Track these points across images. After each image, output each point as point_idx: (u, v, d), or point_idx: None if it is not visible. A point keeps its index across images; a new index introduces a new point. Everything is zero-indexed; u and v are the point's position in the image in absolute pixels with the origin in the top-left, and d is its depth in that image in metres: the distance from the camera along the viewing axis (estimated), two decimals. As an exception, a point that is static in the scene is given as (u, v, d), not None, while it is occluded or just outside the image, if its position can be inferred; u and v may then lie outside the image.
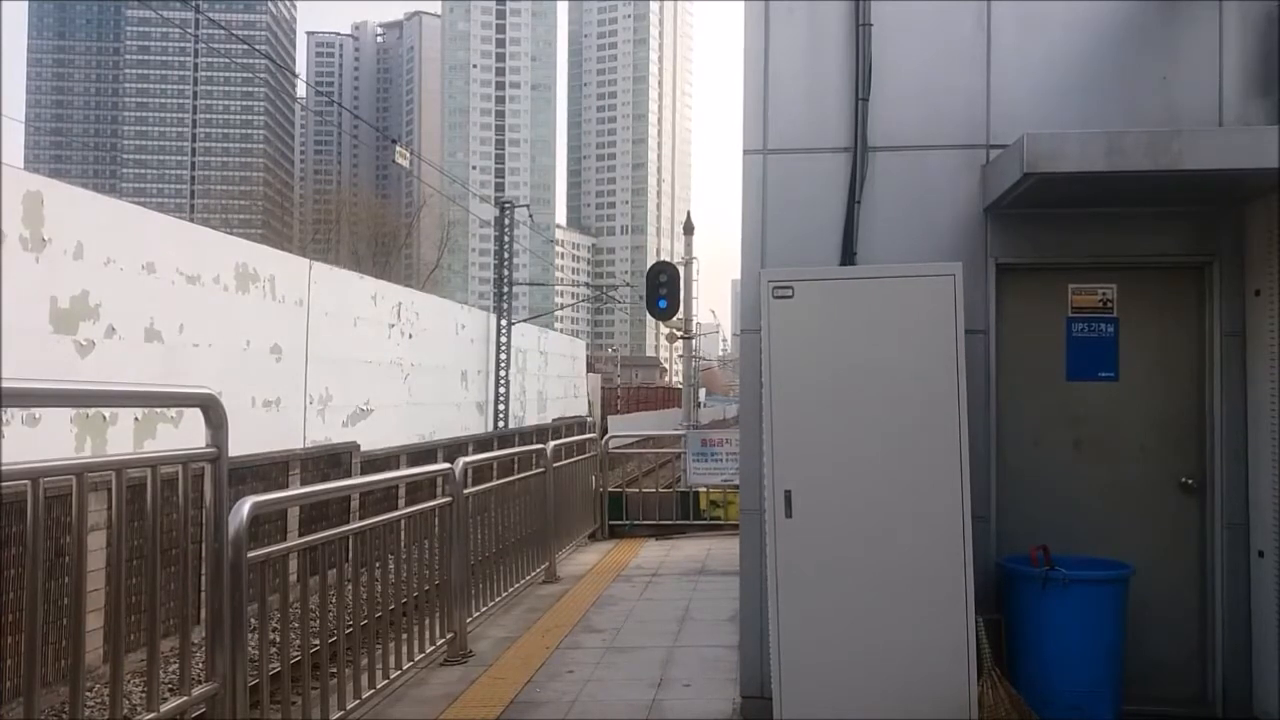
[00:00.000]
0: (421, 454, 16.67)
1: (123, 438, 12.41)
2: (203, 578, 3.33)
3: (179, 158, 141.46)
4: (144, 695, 3.01)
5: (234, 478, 8.18)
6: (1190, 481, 4.60)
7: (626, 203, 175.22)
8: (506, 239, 31.60)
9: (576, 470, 9.55)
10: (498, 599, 6.75)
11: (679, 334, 31.07)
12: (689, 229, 27.99)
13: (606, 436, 11.90)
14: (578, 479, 9.61)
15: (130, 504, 2.97)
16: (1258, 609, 4.41)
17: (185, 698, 3.07)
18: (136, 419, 12.72)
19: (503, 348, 29.47)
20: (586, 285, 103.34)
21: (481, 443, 19.34)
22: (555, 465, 8.37)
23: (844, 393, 4.23)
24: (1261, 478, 4.37)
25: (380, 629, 4.70)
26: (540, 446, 8.53)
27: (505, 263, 31.65)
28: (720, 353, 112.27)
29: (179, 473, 3.08)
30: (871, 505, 4.19)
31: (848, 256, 4.55)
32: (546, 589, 7.68)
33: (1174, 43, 4.51)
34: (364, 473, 13.72)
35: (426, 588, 5.39)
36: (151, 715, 2.87)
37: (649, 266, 17.24)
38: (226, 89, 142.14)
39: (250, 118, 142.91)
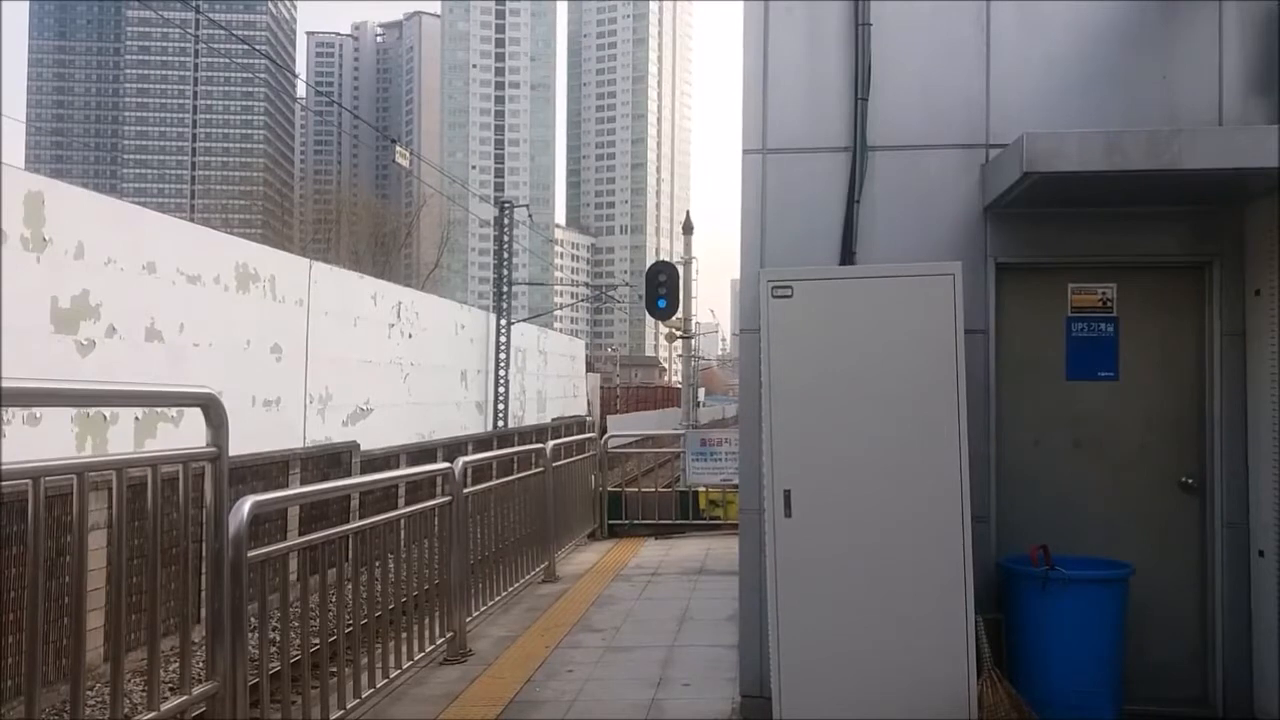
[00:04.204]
0: (421, 453, 16.67)
1: (123, 437, 12.42)
2: (203, 577, 3.33)
3: (179, 158, 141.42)
4: (144, 694, 3.02)
5: (234, 477, 8.18)
6: (1190, 481, 4.60)
7: (626, 202, 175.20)
8: (506, 239, 31.61)
9: (576, 470, 9.55)
10: (497, 598, 6.75)
11: (678, 334, 31.11)
12: (688, 229, 28.03)
13: (606, 436, 11.90)
14: (577, 479, 9.61)
15: (131, 503, 2.97)
16: (1258, 609, 4.41)
17: (185, 697, 3.07)
18: (137, 418, 12.72)
19: (502, 347, 29.47)
20: (586, 285, 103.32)
21: (481, 442, 19.34)
22: (554, 465, 8.38)
23: (843, 392, 4.23)
24: (1262, 477, 4.37)
25: (380, 628, 4.70)
26: (539, 446, 8.53)
27: (505, 262, 31.66)
28: (720, 352, 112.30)
29: (179, 472, 3.08)
30: (871, 505, 4.19)
31: (847, 256, 4.55)
32: (546, 588, 7.68)
33: (1174, 43, 4.51)
34: (364, 472, 13.72)
35: (426, 587, 5.39)
36: (152, 714, 2.87)
37: (648, 266, 17.24)
38: (226, 89, 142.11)
39: (250, 118, 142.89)
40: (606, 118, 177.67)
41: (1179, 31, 4.51)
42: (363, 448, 14.57)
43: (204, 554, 3.28)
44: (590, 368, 51.79)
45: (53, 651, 7.46)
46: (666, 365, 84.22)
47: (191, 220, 32.81)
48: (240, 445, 4.93)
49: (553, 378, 37.90)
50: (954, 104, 4.59)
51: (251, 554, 3.45)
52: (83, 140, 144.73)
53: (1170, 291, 4.65)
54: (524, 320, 34.47)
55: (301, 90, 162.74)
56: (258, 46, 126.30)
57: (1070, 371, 4.66)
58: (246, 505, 3.42)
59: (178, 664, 3.21)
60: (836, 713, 4.13)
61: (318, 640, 4.63)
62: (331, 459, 13.64)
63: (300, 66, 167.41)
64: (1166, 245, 4.55)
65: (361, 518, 5.27)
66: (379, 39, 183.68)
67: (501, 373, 29.27)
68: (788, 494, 4.21)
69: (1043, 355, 4.67)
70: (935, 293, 4.18)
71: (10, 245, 11.00)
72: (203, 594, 3.49)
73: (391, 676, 4.75)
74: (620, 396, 51.20)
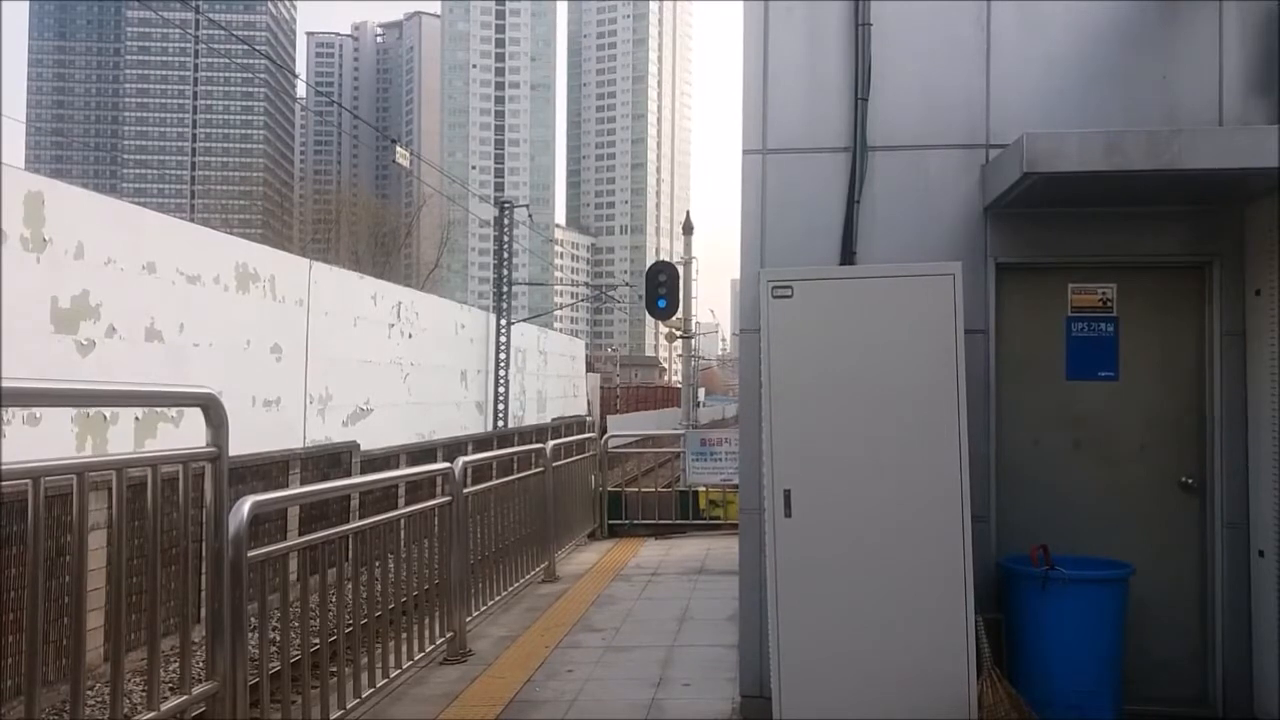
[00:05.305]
0: (421, 453, 16.67)
1: (123, 437, 12.42)
2: (203, 577, 3.33)
3: (179, 158, 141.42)
4: (144, 694, 3.02)
5: (234, 477, 8.18)
6: (1190, 481, 4.60)
7: (626, 202, 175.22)
8: (506, 239, 31.61)
9: (576, 470, 9.55)
10: (497, 598, 6.75)
11: (678, 334, 31.09)
12: (688, 229, 28.01)
13: (606, 436, 11.90)
14: (577, 478, 9.61)
15: (131, 503, 2.97)
16: (1258, 609, 4.41)
17: (185, 696, 3.07)
18: (137, 418, 12.72)
19: (502, 347, 29.47)
20: (586, 285, 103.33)
21: (481, 442, 19.35)
22: (555, 465, 8.38)
23: (843, 392, 4.23)
24: (1261, 477, 4.37)
25: (380, 628, 4.70)
26: (539, 446, 8.53)
27: (505, 262, 31.66)
28: (720, 352, 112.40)
29: (179, 472, 3.08)
30: (871, 505, 4.19)
31: (847, 256, 4.55)
32: (546, 588, 7.68)
33: (1174, 43, 4.51)
34: (364, 472, 13.72)
35: (426, 587, 5.39)
36: (152, 714, 2.87)
37: (648, 266, 17.24)
38: (226, 89, 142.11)
39: (250, 118, 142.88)
40: (606, 118, 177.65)
41: (1179, 31, 4.51)
42: (363, 448, 14.57)
43: (204, 554, 3.28)
44: (590, 368, 51.79)
45: (53, 651, 7.46)
46: (666, 365, 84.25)
47: (191, 220, 32.80)
48: (240, 445, 4.93)
49: (553, 378, 37.90)
50: (954, 104, 4.59)
51: (251, 554, 3.45)
52: (83, 140, 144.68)
53: (1170, 291, 4.65)
54: (524, 320, 34.47)
55: (301, 90, 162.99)
56: (258, 47, 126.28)
57: (1070, 371, 4.66)
58: (246, 505, 3.42)
59: (178, 664, 3.21)
60: (836, 713, 4.13)
61: (318, 640, 4.63)
62: (331, 459, 13.64)
63: (300, 67, 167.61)
64: (1166, 245, 4.55)
65: (361, 518, 5.27)
66: (379, 39, 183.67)
67: (501, 373, 29.28)
68: (788, 494, 4.21)
69: (1043, 355, 4.67)
70: (935, 293, 4.18)
71: (10, 245, 10.99)
72: (203, 594, 3.49)
73: (391, 676, 4.75)
74: (620, 396, 51.19)
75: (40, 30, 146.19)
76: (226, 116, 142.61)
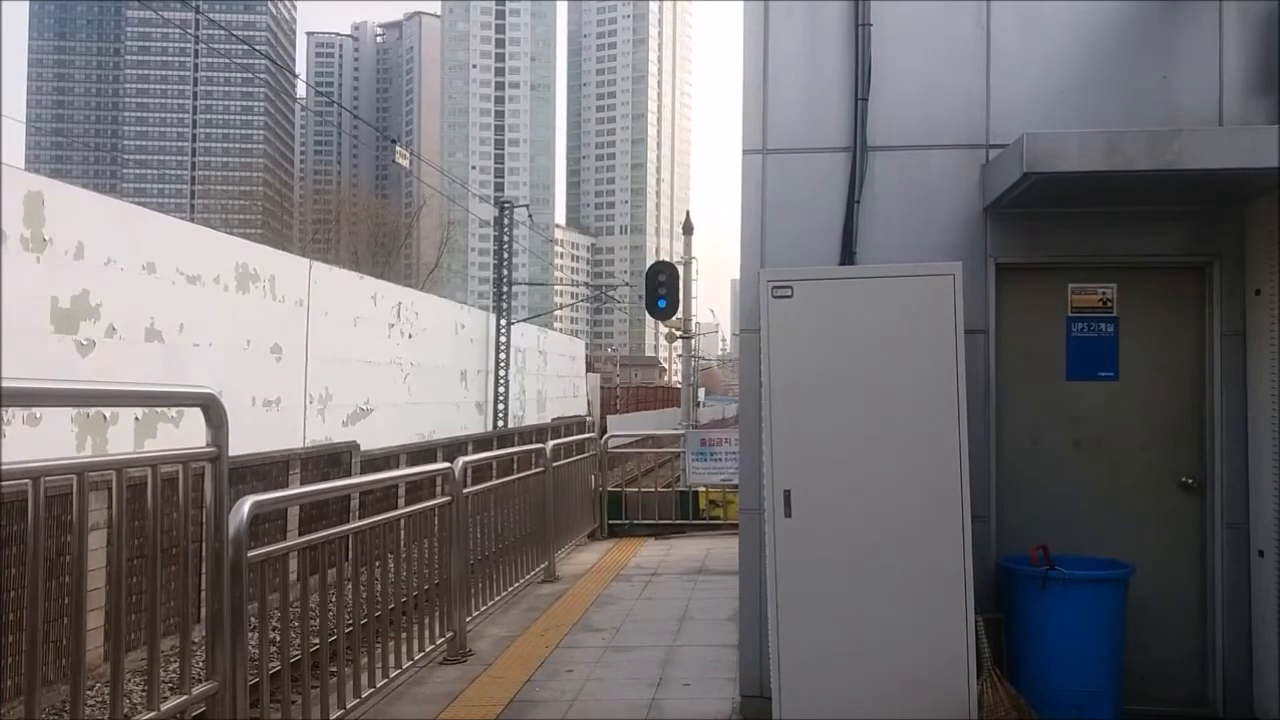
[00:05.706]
0: (421, 453, 16.67)
1: (123, 437, 12.42)
2: (203, 577, 3.33)
3: (179, 158, 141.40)
4: (144, 694, 3.02)
5: (234, 477, 8.18)
6: (1190, 481, 4.60)
7: (626, 202, 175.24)
8: (506, 239, 31.61)
9: (576, 470, 9.55)
10: (497, 598, 6.75)
11: (678, 334, 31.12)
12: (688, 229, 28.05)
13: (606, 436, 11.90)
14: (577, 478, 9.61)
15: (131, 503, 2.97)
16: (1258, 609, 4.41)
17: (185, 696, 3.07)
18: (137, 418, 12.72)
19: (502, 347, 29.48)
20: (586, 285, 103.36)
21: (481, 442, 19.34)
22: (554, 465, 8.37)
23: (843, 393, 4.23)
24: (1261, 477, 4.37)
25: (380, 628, 4.70)
26: (539, 446, 8.53)
27: (504, 262, 31.66)
28: (720, 352, 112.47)
29: (179, 472, 3.08)
30: (871, 505, 4.19)
31: (847, 256, 4.55)
32: (546, 588, 7.68)
33: (1174, 43, 4.51)
34: (364, 472, 13.72)
35: (426, 587, 5.39)
36: (152, 714, 2.87)
37: (648, 266, 17.26)
38: (226, 89, 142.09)
39: (250, 118, 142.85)
40: (606, 118, 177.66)
41: (1179, 31, 4.51)
42: (363, 448, 14.57)
43: (204, 554, 3.28)
44: (590, 368, 51.79)
45: (53, 651, 7.46)
46: (666, 365, 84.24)
47: (191, 220, 32.81)
48: (240, 445, 4.93)
49: (553, 378, 37.91)
50: (954, 104, 4.59)
51: (251, 554, 3.45)
52: (83, 140, 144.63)
53: (1170, 291, 4.65)
54: (524, 320, 34.47)
55: (301, 90, 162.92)
56: (258, 47, 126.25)
57: (1070, 371, 4.66)
58: (246, 505, 3.42)
59: (178, 664, 3.21)
60: (836, 713, 4.13)
61: (318, 640, 4.63)
62: (331, 459, 13.64)
63: (300, 66, 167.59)
64: (1166, 245, 4.55)
65: (361, 518, 5.28)
66: (379, 39, 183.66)
67: (501, 373, 29.28)
68: (788, 494, 4.21)
69: (1043, 355, 4.67)
70: (935, 293, 4.18)
71: (10, 245, 11.00)
72: (203, 594, 3.49)
73: (391, 676, 4.75)
74: (620, 396, 51.19)
75: (40, 30, 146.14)
76: (226, 116, 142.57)
